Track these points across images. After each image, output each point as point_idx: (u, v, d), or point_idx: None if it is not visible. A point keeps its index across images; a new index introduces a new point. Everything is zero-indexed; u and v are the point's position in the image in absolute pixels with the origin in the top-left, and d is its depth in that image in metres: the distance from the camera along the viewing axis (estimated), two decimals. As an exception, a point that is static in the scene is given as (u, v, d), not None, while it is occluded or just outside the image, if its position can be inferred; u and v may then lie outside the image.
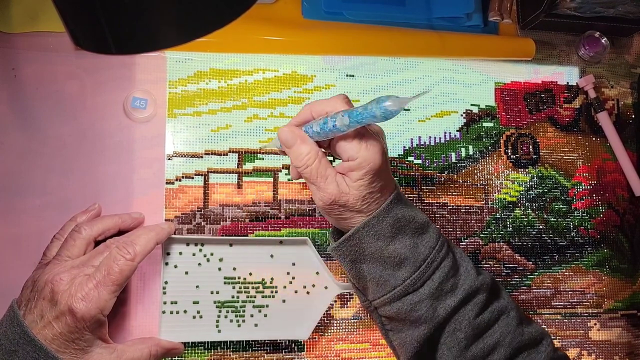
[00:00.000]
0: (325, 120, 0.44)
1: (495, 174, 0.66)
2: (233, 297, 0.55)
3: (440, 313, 0.48)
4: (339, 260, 0.50)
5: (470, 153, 0.66)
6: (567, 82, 0.70)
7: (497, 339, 0.49)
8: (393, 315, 0.50)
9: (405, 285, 0.48)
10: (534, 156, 0.67)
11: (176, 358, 0.55)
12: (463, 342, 0.49)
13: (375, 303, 0.50)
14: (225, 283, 0.55)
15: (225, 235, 0.57)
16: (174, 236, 0.54)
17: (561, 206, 0.67)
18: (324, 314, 0.58)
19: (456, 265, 0.50)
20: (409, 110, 0.65)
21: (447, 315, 0.48)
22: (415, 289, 0.48)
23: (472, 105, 0.67)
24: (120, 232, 0.52)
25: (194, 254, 0.54)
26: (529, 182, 0.67)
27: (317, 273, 0.57)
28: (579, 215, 0.67)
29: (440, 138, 0.65)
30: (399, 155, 0.64)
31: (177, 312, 0.53)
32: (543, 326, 0.64)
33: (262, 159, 0.60)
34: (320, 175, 0.46)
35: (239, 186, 0.59)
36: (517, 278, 0.64)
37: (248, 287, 0.55)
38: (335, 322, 0.59)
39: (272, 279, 0.56)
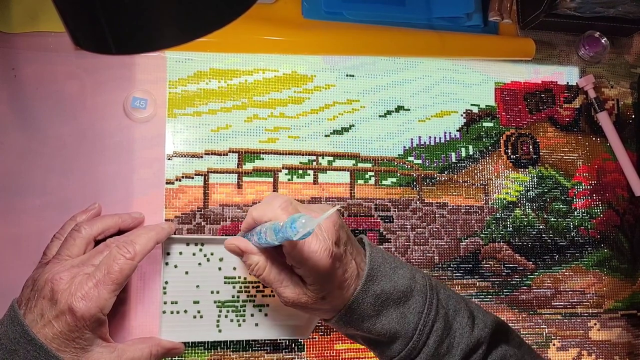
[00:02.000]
0: (259, 232, 0.44)
1: (495, 174, 0.66)
2: (233, 296, 0.55)
3: None
4: None
5: (470, 153, 0.66)
6: (567, 82, 0.70)
7: None
8: None
9: (401, 357, 0.47)
10: (534, 156, 0.67)
11: (176, 358, 0.55)
12: None
13: None
14: (225, 283, 0.55)
15: (225, 235, 0.57)
16: (174, 236, 0.54)
17: (561, 206, 0.67)
18: (324, 313, 0.58)
19: (449, 324, 0.48)
20: (409, 110, 0.65)
21: None
22: (411, 358, 0.47)
23: (472, 105, 0.67)
24: (120, 232, 0.52)
25: (194, 254, 0.55)
26: (529, 182, 0.67)
27: (317, 273, 0.57)
28: (579, 215, 0.67)
29: (440, 138, 0.65)
30: (399, 155, 0.64)
31: (178, 312, 0.53)
32: (543, 326, 0.64)
33: (262, 159, 0.60)
34: (274, 281, 0.45)
35: (239, 186, 0.59)
36: (517, 278, 0.64)
37: (248, 287, 0.55)
38: (335, 322, 0.59)
39: (272, 278, 0.56)
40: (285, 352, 0.57)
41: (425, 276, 0.49)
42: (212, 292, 0.54)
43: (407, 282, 0.47)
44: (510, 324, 0.63)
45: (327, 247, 0.42)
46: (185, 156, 0.58)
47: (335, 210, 0.41)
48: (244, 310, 0.55)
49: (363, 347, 0.59)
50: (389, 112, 0.64)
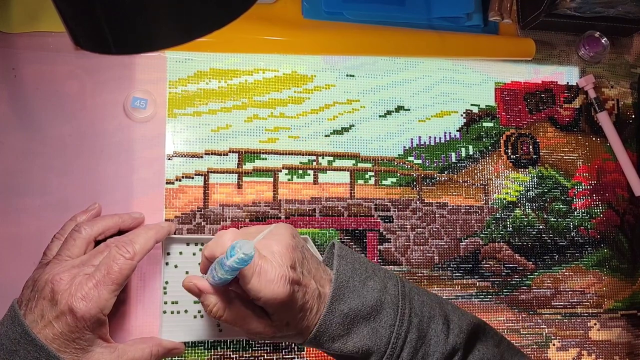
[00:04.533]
0: (212, 270, 0.42)
1: (495, 174, 0.66)
2: (233, 297, 0.55)
3: None
4: None
5: (470, 153, 0.66)
6: (567, 82, 0.70)
7: None
8: None
9: None
10: (534, 156, 0.67)
11: (177, 358, 0.55)
12: None
13: None
14: (225, 283, 0.55)
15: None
16: (174, 236, 0.54)
17: (561, 206, 0.67)
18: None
19: (423, 332, 0.47)
20: (409, 110, 0.65)
21: None
22: None
23: (472, 105, 0.67)
24: (120, 232, 0.52)
25: (194, 254, 0.54)
26: (529, 182, 0.67)
27: (317, 273, 0.57)
28: (579, 215, 0.67)
29: (440, 138, 0.65)
30: (399, 155, 0.64)
31: (178, 312, 0.53)
32: (543, 326, 0.64)
33: (265, 159, 0.60)
34: (237, 320, 0.43)
35: (239, 186, 0.59)
36: (517, 278, 0.64)
37: (248, 287, 0.55)
38: (335, 322, 0.59)
39: (272, 278, 0.56)
40: (285, 352, 0.57)
41: (398, 282, 0.48)
42: (212, 292, 0.54)
43: (377, 295, 0.46)
44: (510, 324, 0.63)
45: (283, 274, 0.41)
46: (185, 156, 0.58)
47: (268, 231, 0.40)
48: (244, 310, 0.55)
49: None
50: (389, 112, 0.64)
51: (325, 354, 0.58)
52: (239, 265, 0.38)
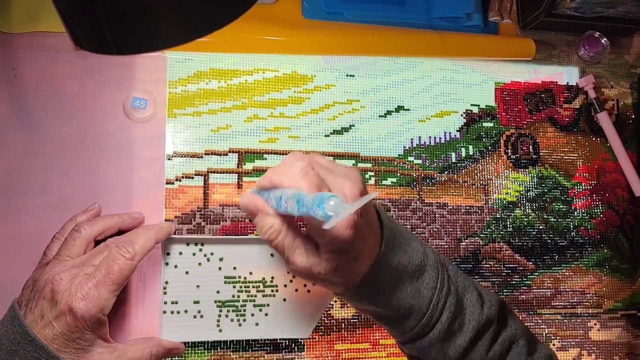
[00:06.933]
0: (279, 198, 0.41)
1: (495, 174, 0.66)
2: (234, 296, 0.55)
3: (452, 355, 0.46)
4: None
5: (470, 153, 0.66)
6: (567, 82, 0.70)
7: None
8: (406, 353, 0.49)
9: (413, 333, 0.46)
10: (534, 156, 0.67)
11: (177, 358, 0.55)
12: None
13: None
14: (225, 282, 0.55)
15: (225, 235, 0.57)
16: (174, 236, 0.54)
17: (561, 206, 0.67)
18: (324, 313, 0.58)
19: (460, 300, 0.47)
20: (409, 110, 0.65)
21: (459, 356, 0.46)
22: (424, 334, 0.46)
23: (472, 105, 0.67)
24: (120, 232, 0.52)
25: (194, 254, 0.55)
26: (529, 182, 0.67)
27: (317, 273, 0.57)
28: (579, 215, 0.67)
29: (440, 138, 0.65)
30: (399, 155, 0.64)
31: (178, 312, 0.53)
32: (543, 326, 0.64)
33: (265, 159, 0.60)
34: (287, 248, 0.42)
35: (239, 186, 0.59)
36: (517, 278, 0.64)
37: (249, 286, 0.55)
38: (335, 322, 0.59)
39: (272, 277, 0.56)
40: (285, 352, 0.57)
41: (434, 251, 0.48)
42: (212, 292, 0.54)
43: (421, 256, 0.46)
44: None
45: (351, 219, 0.39)
46: (185, 156, 0.58)
47: (373, 196, 0.38)
48: (244, 310, 0.55)
49: (363, 347, 0.59)
50: (389, 112, 0.64)
51: (325, 355, 0.58)
52: (321, 219, 0.35)
